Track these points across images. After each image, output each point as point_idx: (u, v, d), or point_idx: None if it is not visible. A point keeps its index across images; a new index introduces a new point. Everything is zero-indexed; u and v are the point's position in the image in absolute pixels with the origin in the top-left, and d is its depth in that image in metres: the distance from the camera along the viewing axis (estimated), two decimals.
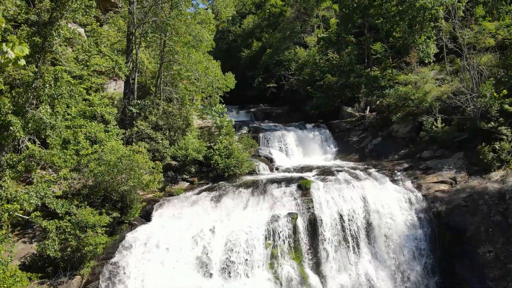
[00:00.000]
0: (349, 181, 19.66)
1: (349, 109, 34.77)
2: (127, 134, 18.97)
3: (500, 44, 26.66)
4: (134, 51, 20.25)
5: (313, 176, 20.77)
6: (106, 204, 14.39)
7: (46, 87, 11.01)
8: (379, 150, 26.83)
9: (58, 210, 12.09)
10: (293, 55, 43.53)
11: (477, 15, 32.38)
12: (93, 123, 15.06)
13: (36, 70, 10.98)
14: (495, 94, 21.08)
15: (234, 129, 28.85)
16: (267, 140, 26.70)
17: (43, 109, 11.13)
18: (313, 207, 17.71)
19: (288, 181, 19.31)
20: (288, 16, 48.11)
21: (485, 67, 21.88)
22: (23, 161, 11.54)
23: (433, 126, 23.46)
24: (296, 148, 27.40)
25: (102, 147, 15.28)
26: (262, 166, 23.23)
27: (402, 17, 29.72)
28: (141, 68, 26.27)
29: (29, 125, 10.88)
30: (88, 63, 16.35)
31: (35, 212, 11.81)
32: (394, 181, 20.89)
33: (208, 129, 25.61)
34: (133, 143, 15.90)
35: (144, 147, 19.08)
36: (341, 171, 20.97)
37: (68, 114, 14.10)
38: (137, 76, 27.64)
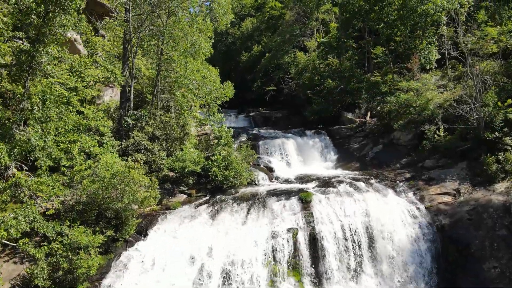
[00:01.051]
0: (351, 194, 19.21)
1: (350, 115, 34.34)
2: (123, 145, 18.49)
3: (503, 51, 26.26)
4: (130, 59, 19.75)
5: (313, 187, 20.31)
6: (100, 222, 13.91)
7: (34, 109, 10.50)
8: (380, 158, 26.38)
9: (49, 233, 11.61)
10: (292, 58, 43.04)
11: (479, 20, 31.96)
12: (86, 137, 14.58)
13: (23, 90, 10.48)
14: (499, 103, 20.66)
15: (233, 137, 28.49)
16: (267, 149, 26.23)
17: (32, 130, 10.64)
18: (313, 221, 17.25)
19: (288, 194, 18.85)
20: (287, 19, 47.59)
21: (488, 76, 21.37)
22: (8, 190, 11.03)
23: (436, 135, 23.03)
24: (296, 156, 26.93)
25: (96, 162, 14.79)
26: (262, 176, 22.77)
27: (403, 22, 29.27)
28: (137, 74, 25.80)
29: (15, 149, 10.38)
30: (82, 75, 15.86)
31: (23, 239, 11.32)
32: (396, 192, 20.44)
33: (207, 136, 25.15)
34: (129, 159, 15.37)
35: (141, 159, 18.69)
36: (342, 182, 20.50)
37: (60, 128, 13.57)
38: (134, 83, 27.27)
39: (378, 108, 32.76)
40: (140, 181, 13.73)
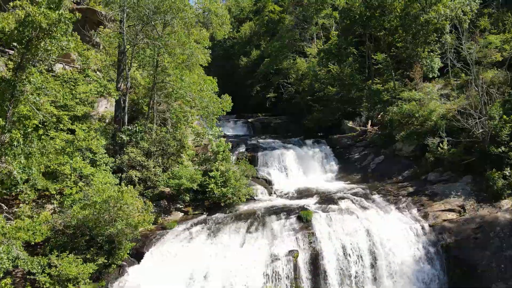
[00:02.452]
0: (352, 211, 18.61)
1: (350, 123, 33.74)
2: (117, 162, 17.86)
3: (508, 60, 25.67)
4: (125, 72, 19.12)
5: (314, 204, 19.71)
6: (92, 248, 13.29)
7: (14, 144, 9.85)
8: (382, 170, 25.78)
9: (34, 270, 10.97)
10: (292, 64, 42.45)
11: (481, 27, 31.40)
12: (77, 158, 13.95)
13: (4, 122, 9.84)
14: (504, 116, 20.07)
15: (231, 147, 27.86)
16: (266, 161, 25.60)
17: (15, 163, 9.98)
18: (314, 241, 16.65)
19: (288, 212, 18.26)
20: (287, 23, 47.01)
21: (494, 89, 20.78)
22: None
23: (439, 147, 22.42)
24: (295, 168, 26.29)
25: (88, 185, 14.17)
26: (261, 190, 22.17)
27: (405, 29, 28.71)
28: (133, 83, 25.16)
29: None
30: (73, 92, 15.24)
31: (5, 280, 10.67)
32: (399, 208, 19.84)
33: (204, 147, 24.50)
34: (123, 184, 14.70)
35: (136, 176, 18.10)
36: (343, 198, 19.90)
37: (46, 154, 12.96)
38: (130, 93, 26.59)
39: (379, 116, 32.21)
40: (133, 204, 13.11)
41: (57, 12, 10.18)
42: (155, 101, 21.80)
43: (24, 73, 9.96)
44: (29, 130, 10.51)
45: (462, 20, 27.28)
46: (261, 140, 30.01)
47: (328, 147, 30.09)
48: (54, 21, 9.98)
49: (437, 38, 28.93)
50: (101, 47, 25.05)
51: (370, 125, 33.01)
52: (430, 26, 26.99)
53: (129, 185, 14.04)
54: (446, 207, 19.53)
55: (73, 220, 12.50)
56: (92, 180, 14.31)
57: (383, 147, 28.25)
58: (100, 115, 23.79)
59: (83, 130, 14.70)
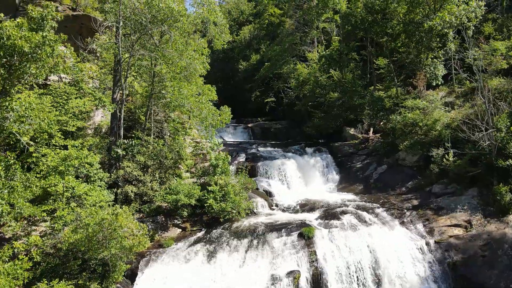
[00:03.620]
0: (356, 227, 18.03)
1: (352, 130, 33.15)
2: (112, 177, 17.26)
3: None
4: (121, 82, 18.53)
5: (315, 219, 19.12)
6: (84, 273, 12.69)
7: None
8: (385, 180, 25.19)
9: None
10: (292, 69, 41.83)
11: (485, 32, 30.80)
12: (70, 176, 13.35)
13: None
14: None
15: (230, 155, 27.27)
16: (266, 171, 25.03)
17: None
18: (317, 260, 16.07)
19: (289, 228, 17.65)
20: (287, 27, 46.38)
21: (503, 103, 20.16)
22: None
23: (444, 159, 21.81)
24: (296, 178, 25.73)
25: (80, 205, 13.58)
26: (261, 203, 21.56)
27: (408, 37, 28.12)
28: (131, 91, 24.58)
29: None
30: (66, 107, 14.65)
31: None
32: (403, 223, 19.27)
33: (204, 157, 23.88)
34: (117, 205, 14.12)
35: (131, 191, 17.50)
36: (346, 213, 19.30)
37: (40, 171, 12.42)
38: (127, 101, 25.98)
39: (382, 123, 31.61)
40: (128, 227, 12.52)
41: (40, 33, 9.58)
42: (152, 111, 21.22)
43: (6, 100, 9.37)
44: (11, 162, 9.93)
45: (467, 26, 26.70)
46: (261, 149, 29.41)
47: (329, 155, 29.52)
48: (38, 44, 9.39)
49: (440, 45, 28.36)
50: (98, 54, 24.47)
51: (372, 133, 32.43)
52: (434, 32, 26.36)
53: (123, 206, 13.45)
54: (452, 222, 18.96)
55: (64, 245, 11.91)
56: (85, 199, 13.72)
57: (385, 156, 27.66)
58: (97, 124, 23.21)
59: (76, 147, 14.10)
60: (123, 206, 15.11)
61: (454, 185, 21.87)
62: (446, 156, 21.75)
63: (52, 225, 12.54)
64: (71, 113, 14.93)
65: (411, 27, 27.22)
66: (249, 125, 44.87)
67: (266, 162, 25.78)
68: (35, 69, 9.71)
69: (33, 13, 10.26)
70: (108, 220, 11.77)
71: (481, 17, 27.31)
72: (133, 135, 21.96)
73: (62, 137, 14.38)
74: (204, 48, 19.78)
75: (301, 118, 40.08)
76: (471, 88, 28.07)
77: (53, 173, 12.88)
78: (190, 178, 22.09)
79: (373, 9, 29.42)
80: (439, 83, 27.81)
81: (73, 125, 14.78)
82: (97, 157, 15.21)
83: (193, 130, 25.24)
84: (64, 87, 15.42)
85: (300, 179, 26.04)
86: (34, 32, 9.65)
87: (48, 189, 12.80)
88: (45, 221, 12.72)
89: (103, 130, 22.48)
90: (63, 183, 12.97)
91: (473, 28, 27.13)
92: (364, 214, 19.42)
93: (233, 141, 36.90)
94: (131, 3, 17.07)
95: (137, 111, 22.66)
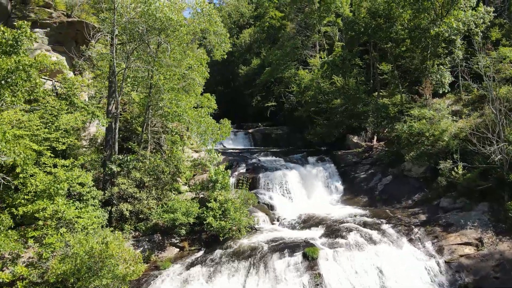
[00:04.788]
0: (362, 246, 17.20)
1: (355, 138, 32.34)
2: (106, 195, 16.42)
3: None
4: (116, 95, 17.72)
5: (319, 237, 18.29)
6: None
7: None
8: (390, 192, 24.37)
9: None
10: (294, 74, 41.00)
11: (492, 38, 29.97)
12: (59, 200, 12.53)
13: None
14: None
15: (231, 166, 26.46)
16: (267, 183, 24.19)
17: None
18: (321, 283, 15.23)
19: (292, 247, 16.80)
20: (288, 31, 45.53)
21: None
22: None
23: (453, 172, 20.96)
24: (298, 189, 24.89)
25: (73, 223, 12.76)
26: (262, 218, 20.75)
27: (414, 43, 27.29)
28: (128, 99, 23.77)
29: None
30: (56, 124, 13.82)
31: None
32: (411, 241, 18.45)
33: (203, 169, 23.03)
34: (112, 226, 13.30)
35: (127, 209, 16.69)
36: (351, 230, 18.46)
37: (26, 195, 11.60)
38: (125, 109, 25.16)
39: (386, 131, 30.79)
40: (120, 256, 11.69)
41: (14, 57, 8.70)
42: (149, 123, 20.41)
43: None
44: None
45: (474, 32, 25.87)
46: (262, 158, 28.57)
47: (332, 165, 28.70)
48: (11, 70, 8.55)
49: (447, 51, 27.53)
50: (94, 61, 23.66)
51: (376, 141, 31.59)
52: (440, 39, 25.52)
53: (116, 229, 12.62)
54: (462, 240, 18.12)
55: (51, 277, 11.09)
56: (76, 222, 12.89)
57: (390, 165, 26.83)
58: (92, 135, 22.41)
59: (67, 166, 13.29)
60: (116, 229, 14.31)
61: (463, 199, 21.04)
62: (455, 169, 20.91)
63: (40, 253, 11.73)
64: (62, 129, 14.10)
65: (416, 33, 26.39)
66: (250, 130, 44.08)
67: (268, 173, 24.94)
68: (10, 97, 8.87)
69: (6, 34, 9.33)
70: (97, 250, 10.96)
71: (488, 23, 26.46)
72: (130, 146, 21.19)
73: (52, 155, 13.55)
74: (203, 59, 18.95)
75: (302, 124, 39.26)
76: (479, 96, 27.29)
77: (42, 196, 12.07)
78: (189, 191, 21.30)
79: (377, 14, 28.61)
80: (446, 90, 26.93)
81: (64, 143, 13.93)
82: (89, 175, 14.40)
83: (193, 138, 24.42)
84: (54, 102, 14.56)
85: (302, 191, 25.21)
86: (6, 56, 8.79)
87: (36, 214, 11.99)
88: (31, 248, 11.89)
89: (99, 140, 21.69)
90: (52, 207, 12.14)
91: (481, 34, 26.28)
92: (371, 231, 18.58)
93: (234, 148, 36.09)
94: (126, 12, 16.23)
95: (133, 121, 21.83)
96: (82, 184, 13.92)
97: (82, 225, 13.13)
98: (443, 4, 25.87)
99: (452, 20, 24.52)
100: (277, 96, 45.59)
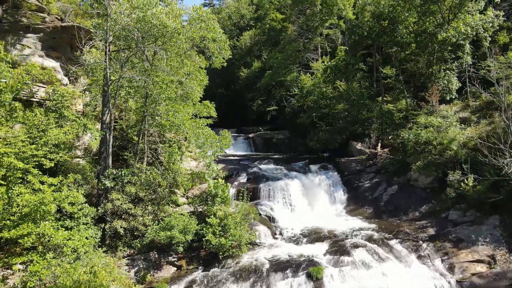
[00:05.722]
0: (369, 265, 16.34)
1: (359, 145, 31.48)
2: (99, 211, 15.57)
3: None
4: (109, 105, 16.88)
5: (324, 254, 17.41)
6: None
7: None
8: (396, 203, 23.49)
9: None
10: (295, 77, 40.14)
11: (500, 42, 29.08)
12: (46, 223, 11.68)
13: None
14: None
15: (231, 176, 25.61)
16: (269, 194, 23.34)
17: None
18: None
19: (295, 266, 15.95)
20: (289, 33, 44.64)
21: None
22: None
23: (463, 183, 20.08)
24: (301, 200, 24.04)
25: (62, 247, 11.91)
26: (263, 232, 19.91)
27: (420, 48, 26.42)
28: (124, 106, 22.95)
29: None
30: (43, 139, 12.95)
31: None
32: (420, 258, 17.60)
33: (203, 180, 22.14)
34: (103, 248, 12.44)
35: (121, 227, 15.84)
36: (357, 246, 17.58)
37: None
38: (122, 116, 24.30)
39: (390, 138, 29.92)
40: (109, 282, 10.84)
41: None
42: (145, 133, 19.57)
43: None
44: None
45: (482, 37, 24.99)
46: (263, 166, 27.70)
47: (335, 173, 27.82)
48: None
49: (454, 56, 26.65)
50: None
51: (380, 147, 30.73)
52: (447, 44, 24.64)
53: (108, 254, 11.76)
54: (474, 257, 17.25)
55: None
56: (65, 245, 12.03)
57: (395, 174, 25.96)
58: (86, 145, 21.58)
59: (55, 185, 12.44)
60: (110, 250, 13.43)
61: (473, 212, 20.19)
62: (465, 180, 20.02)
63: (25, 281, 10.88)
64: (51, 144, 13.25)
65: (423, 37, 25.50)
66: (250, 135, 43.22)
67: (269, 183, 24.07)
68: None
69: None
70: (85, 281, 10.10)
71: (497, 27, 25.58)
72: (125, 156, 20.34)
73: (40, 173, 12.69)
74: (202, 68, 18.12)
75: (304, 129, 38.40)
76: (486, 102, 26.44)
77: (27, 220, 11.23)
78: (187, 203, 20.44)
79: (382, 17, 27.73)
80: (453, 97, 26.04)
81: (52, 159, 13.06)
82: (80, 193, 13.54)
83: (191, 147, 23.57)
84: (41, 117, 13.69)
85: (304, 201, 24.35)
86: None
87: (20, 240, 11.15)
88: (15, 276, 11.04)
89: (94, 149, 20.86)
90: (38, 230, 11.29)
91: (490, 39, 25.40)
92: (377, 247, 17.71)
93: (233, 155, 35.19)
94: (120, 19, 15.37)
95: (129, 130, 20.98)
96: (72, 203, 13.06)
97: (72, 248, 12.27)
98: (450, 8, 24.98)
99: (460, 24, 23.60)
100: (278, 100, 44.73)
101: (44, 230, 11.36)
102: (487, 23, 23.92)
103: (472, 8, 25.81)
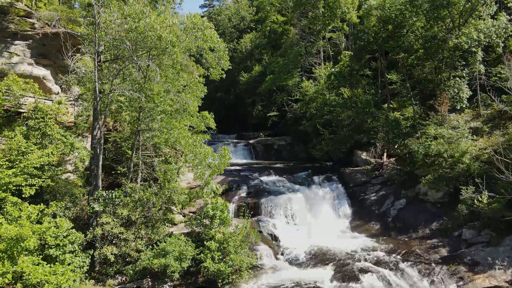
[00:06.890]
0: None
1: (364, 154, 30.30)
2: (88, 237, 14.39)
3: None
4: (99, 121, 15.71)
5: (330, 279, 16.23)
6: None
7: None
8: (405, 219, 22.29)
9: None
10: (297, 82, 38.94)
11: (511, 47, 27.88)
12: (26, 258, 10.52)
13: None
14: None
15: (231, 189, 24.46)
16: (271, 209, 22.16)
17: None
18: None
19: None
20: (291, 36, 43.42)
21: None
22: None
23: (477, 201, 18.88)
24: (304, 215, 22.87)
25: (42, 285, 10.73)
26: (265, 252, 18.75)
27: (429, 55, 25.20)
28: (118, 118, 21.80)
29: None
30: (22, 164, 11.80)
31: None
32: (433, 283, 16.42)
33: (200, 191, 20.96)
34: (91, 281, 11.27)
35: (111, 253, 14.65)
36: (366, 271, 16.39)
37: None
38: (116, 127, 23.18)
39: (396, 147, 28.72)
40: None
41: None
42: (140, 147, 18.41)
43: None
44: None
45: (495, 43, 23.79)
46: (264, 178, 26.48)
47: (339, 185, 26.65)
48: None
49: (464, 62, 25.43)
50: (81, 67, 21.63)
51: (386, 157, 29.56)
52: (458, 51, 23.42)
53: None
54: (491, 283, 16.05)
55: None
56: (47, 282, 10.86)
57: (403, 187, 24.75)
58: (79, 158, 20.39)
59: (37, 214, 11.28)
60: (98, 281, 12.25)
61: (488, 232, 19.01)
62: (479, 197, 18.82)
63: None
64: (32, 168, 12.08)
65: (432, 43, 24.28)
66: (251, 141, 42.02)
67: (271, 197, 22.89)
68: None
69: None
70: None
71: (510, 32, 24.38)
72: (119, 171, 19.19)
73: (20, 200, 11.53)
74: (199, 82, 16.98)
75: (306, 135, 37.24)
76: (498, 111, 25.25)
77: (2, 256, 10.07)
78: (184, 222, 19.23)
79: (388, 22, 26.51)
80: (464, 106, 24.81)
81: (33, 185, 11.89)
82: (65, 220, 12.38)
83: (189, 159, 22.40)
84: (20, 138, 12.51)
85: (308, 215, 23.18)
86: None
87: None
88: None
89: (86, 163, 19.69)
90: (15, 268, 10.13)
91: (502, 45, 24.21)
92: (387, 272, 16.54)
93: (233, 163, 33.92)
94: (111, 29, 14.19)
95: (123, 143, 19.81)
96: (56, 236, 11.88)
97: (55, 284, 11.08)
98: (461, 13, 23.78)
99: (472, 30, 22.39)
100: (279, 105, 43.54)
101: (22, 268, 10.21)
102: (500, 29, 22.69)
103: (484, 12, 24.63)
